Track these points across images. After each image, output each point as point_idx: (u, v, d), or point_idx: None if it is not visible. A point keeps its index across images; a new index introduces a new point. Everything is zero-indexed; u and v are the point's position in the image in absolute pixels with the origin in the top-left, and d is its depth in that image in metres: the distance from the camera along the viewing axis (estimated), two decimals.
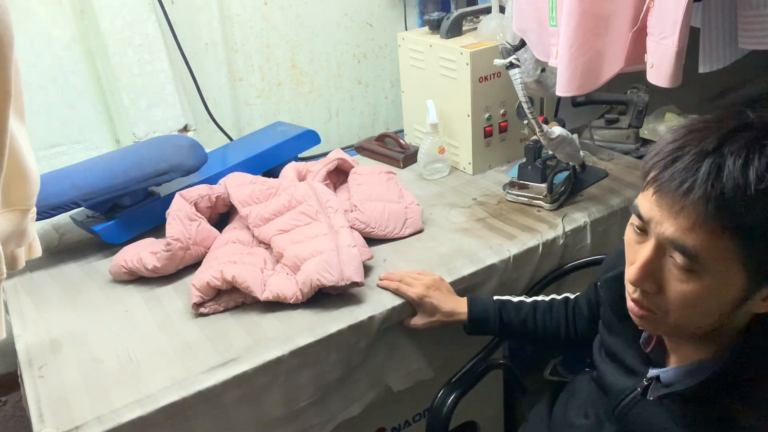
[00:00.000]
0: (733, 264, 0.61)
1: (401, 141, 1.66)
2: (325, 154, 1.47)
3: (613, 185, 1.42)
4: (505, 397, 1.43)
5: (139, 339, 1.02)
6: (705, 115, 0.66)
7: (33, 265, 1.24)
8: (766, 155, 0.59)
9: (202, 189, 1.26)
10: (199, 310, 1.06)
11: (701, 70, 1.10)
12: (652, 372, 0.76)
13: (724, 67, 1.10)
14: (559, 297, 1.08)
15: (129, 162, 1.28)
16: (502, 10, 1.43)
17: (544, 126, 1.24)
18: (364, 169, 1.39)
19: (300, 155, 1.57)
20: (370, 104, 1.97)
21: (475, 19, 1.58)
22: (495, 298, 1.09)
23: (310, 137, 1.55)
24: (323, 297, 1.07)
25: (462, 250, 1.21)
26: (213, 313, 1.07)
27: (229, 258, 1.12)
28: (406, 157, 1.61)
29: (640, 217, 0.66)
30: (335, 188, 1.40)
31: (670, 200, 0.62)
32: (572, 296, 1.08)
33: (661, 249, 0.64)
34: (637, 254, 0.67)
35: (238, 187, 1.26)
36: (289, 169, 1.36)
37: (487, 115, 1.49)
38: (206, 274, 1.06)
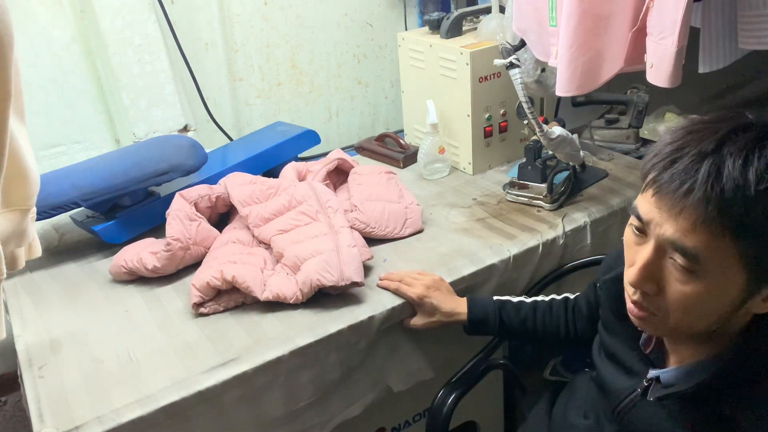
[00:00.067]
0: (734, 265, 0.61)
1: (401, 141, 1.66)
2: (325, 154, 1.47)
3: (613, 185, 1.43)
4: (505, 397, 1.43)
5: (139, 339, 1.02)
6: (704, 115, 0.66)
7: (33, 265, 1.24)
8: (766, 156, 0.59)
9: (202, 189, 1.26)
10: (199, 310, 1.06)
11: (701, 70, 1.10)
12: (652, 372, 0.76)
13: (724, 67, 1.10)
14: (558, 297, 1.08)
15: (129, 162, 1.28)
16: (502, 10, 1.43)
17: (544, 126, 1.24)
18: (364, 169, 1.39)
19: (300, 155, 1.57)
20: (370, 104, 1.97)
21: (475, 19, 1.58)
22: (495, 298, 1.09)
23: (310, 137, 1.55)
24: (323, 297, 1.07)
25: (462, 250, 1.21)
26: (213, 313, 1.07)
27: (229, 258, 1.12)
28: (406, 157, 1.61)
29: (639, 218, 0.66)
30: (335, 188, 1.40)
31: (670, 201, 0.62)
32: (572, 296, 1.08)
33: (661, 250, 0.64)
34: (636, 256, 0.67)
35: (238, 187, 1.26)
36: (289, 169, 1.36)
37: (487, 115, 1.49)
38: (206, 274, 1.06)
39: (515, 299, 1.09)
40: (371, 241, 1.24)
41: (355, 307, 1.06)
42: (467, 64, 1.40)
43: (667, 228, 0.62)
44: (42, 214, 1.21)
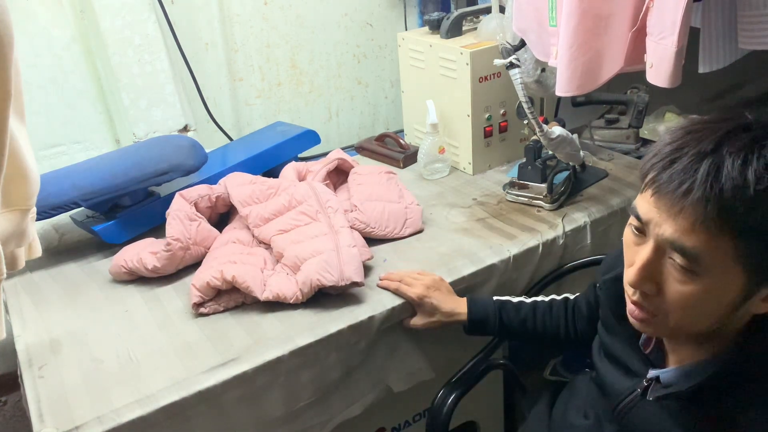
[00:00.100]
0: (733, 265, 0.61)
1: (401, 141, 1.66)
2: (325, 154, 1.47)
3: (613, 185, 1.43)
4: (505, 397, 1.43)
5: (139, 339, 1.02)
6: (704, 115, 0.66)
7: (33, 265, 1.24)
8: (764, 156, 0.59)
9: (202, 189, 1.26)
10: (199, 310, 1.06)
11: (701, 70, 1.10)
12: (652, 373, 0.76)
13: (724, 67, 1.10)
14: (558, 297, 1.08)
15: (129, 162, 1.28)
16: (502, 10, 1.43)
17: (544, 126, 1.24)
18: (364, 169, 1.39)
19: (300, 155, 1.57)
20: (370, 104, 1.97)
21: (475, 19, 1.58)
22: (495, 298, 1.09)
23: (310, 137, 1.55)
24: (323, 297, 1.07)
25: (462, 250, 1.21)
26: (213, 313, 1.07)
27: (229, 258, 1.12)
28: (406, 157, 1.61)
29: (638, 218, 0.66)
30: (335, 188, 1.40)
31: (669, 201, 0.62)
32: (572, 297, 1.08)
33: (661, 250, 0.64)
34: (635, 256, 0.67)
35: (238, 187, 1.26)
36: (289, 169, 1.36)
37: (487, 115, 1.49)
38: (206, 274, 1.06)
39: (515, 299, 1.09)
40: (371, 241, 1.24)
41: (355, 307, 1.06)
42: (467, 64, 1.40)
43: (666, 228, 0.62)
44: (42, 214, 1.21)
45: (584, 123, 1.71)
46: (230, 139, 1.72)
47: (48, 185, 1.12)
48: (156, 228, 1.32)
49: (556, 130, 1.26)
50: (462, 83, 1.44)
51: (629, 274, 0.67)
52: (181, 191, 1.24)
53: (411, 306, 1.08)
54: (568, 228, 1.27)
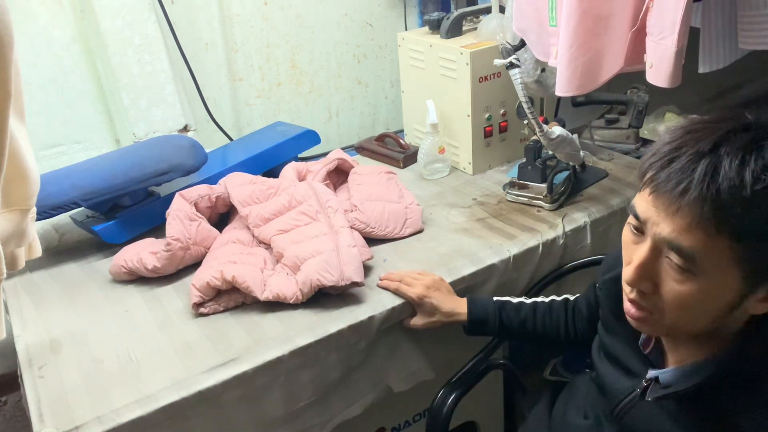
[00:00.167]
0: (729, 265, 0.61)
1: (401, 141, 1.67)
2: (325, 154, 1.47)
3: (613, 185, 1.43)
4: (505, 397, 1.43)
5: (139, 339, 1.02)
6: (704, 115, 0.66)
7: (33, 265, 1.24)
8: (762, 156, 0.59)
9: (202, 189, 1.26)
10: (199, 310, 1.07)
11: (701, 70, 1.10)
12: (651, 373, 0.76)
13: (724, 67, 1.10)
14: (558, 298, 1.08)
15: (129, 162, 1.28)
16: (502, 10, 1.43)
17: (544, 126, 1.24)
18: (364, 169, 1.39)
19: (300, 155, 1.57)
20: (370, 104, 1.97)
21: (475, 19, 1.58)
22: (495, 298, 1.09)
23: (310, 137, 1.55)
24: (323, 297, 1.07)
25: (462, 250, 1.21)
26: (213, 313, 1.07)
27: (229, 258, 1.12)
28: (406, 157, 1.61)
29: (636, 217, 0.67)
30: (335, 188, 1.40)
31: (667, 201, 0.62)
32: (572, 297, 1.08)
33: (658, 249, 0.64)
34: (633, 254, 0.67)
35: (238, 187, 1.26)
36: (289, 169, 1.36)
37: (487, 115, 1.49)
38: (206, 274, 1.06)
39: (515, 300, 1.09)
40: (371, 241, 1.24)
41: (355, 307, 1.06)
42: (467, 64, 1.40)
43: (663, 227, 0.62)
44: (42, 214, 1.21)
45: (584, 123, 1.71)
46: (230, 139, 1.72)
47: (48, 185, 1.12)
48: (156, 228, 1.32)
49: (556, 130, 1.26)
50: (462, 83, 1.44)
51: (626, 272, 0.68)
52: (181, 191, 1.24)
53: (411, 306, 1.08)
54: (568, 228, 1.27)
